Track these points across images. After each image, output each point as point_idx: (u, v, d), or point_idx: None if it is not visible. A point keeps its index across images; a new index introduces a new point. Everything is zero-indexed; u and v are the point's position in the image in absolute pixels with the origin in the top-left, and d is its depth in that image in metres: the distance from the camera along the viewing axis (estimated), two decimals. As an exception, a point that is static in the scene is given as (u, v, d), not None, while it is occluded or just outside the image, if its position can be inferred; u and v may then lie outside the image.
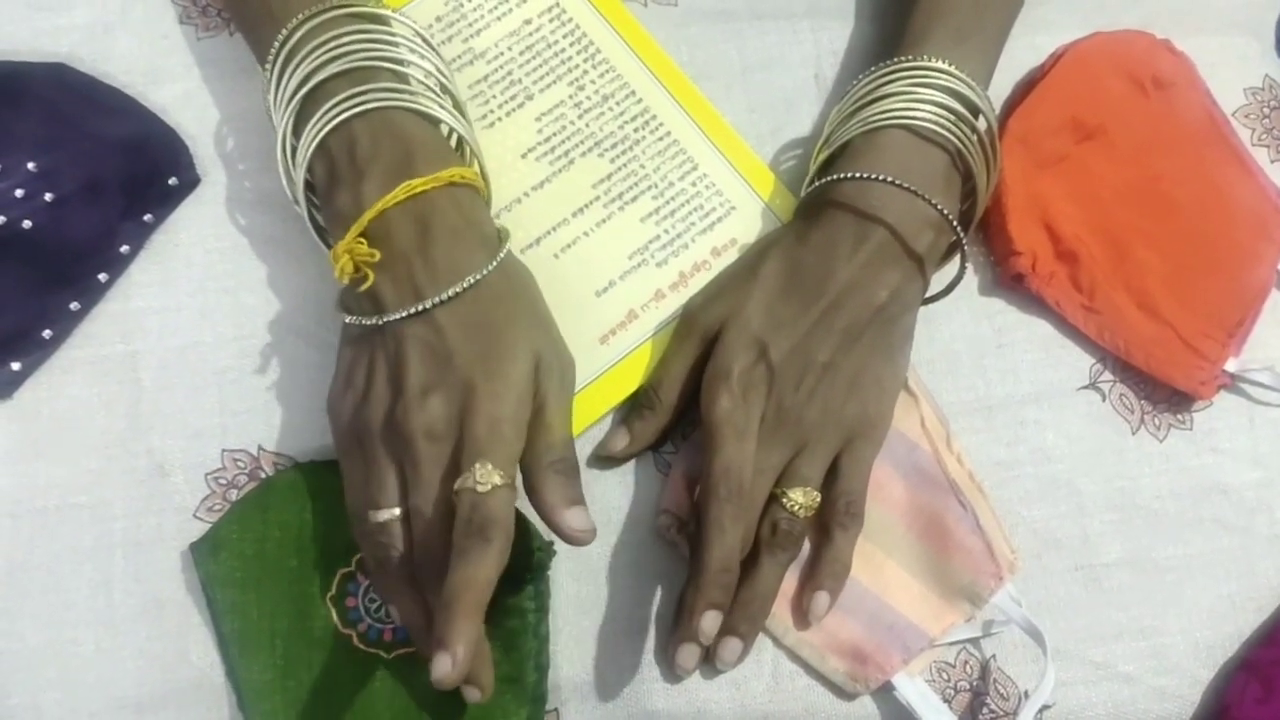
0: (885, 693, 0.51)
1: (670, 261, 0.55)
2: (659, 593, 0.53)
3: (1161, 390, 0.57)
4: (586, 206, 0.56)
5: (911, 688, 0.51)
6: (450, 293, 0.46)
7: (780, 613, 0.52)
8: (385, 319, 0.47)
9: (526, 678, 0.50)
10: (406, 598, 0.47)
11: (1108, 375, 0.57)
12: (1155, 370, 0.56)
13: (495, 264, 0.48)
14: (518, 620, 0.50)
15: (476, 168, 0.50)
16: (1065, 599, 0.54)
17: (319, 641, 0.50)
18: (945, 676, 0.53)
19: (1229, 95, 0.62)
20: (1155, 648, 0.54)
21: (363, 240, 0.47)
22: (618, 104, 0.57)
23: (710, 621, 0.49)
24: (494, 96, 0.57)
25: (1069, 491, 0.55)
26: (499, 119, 0.56)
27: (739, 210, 0.56)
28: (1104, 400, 0.57)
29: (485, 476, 0.43)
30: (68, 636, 0.51)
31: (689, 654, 0.50)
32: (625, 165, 0.56)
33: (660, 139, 0.57)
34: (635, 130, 0.57)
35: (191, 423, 0.53)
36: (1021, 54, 0.60)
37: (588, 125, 0.57)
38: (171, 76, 0.57)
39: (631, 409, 0.53)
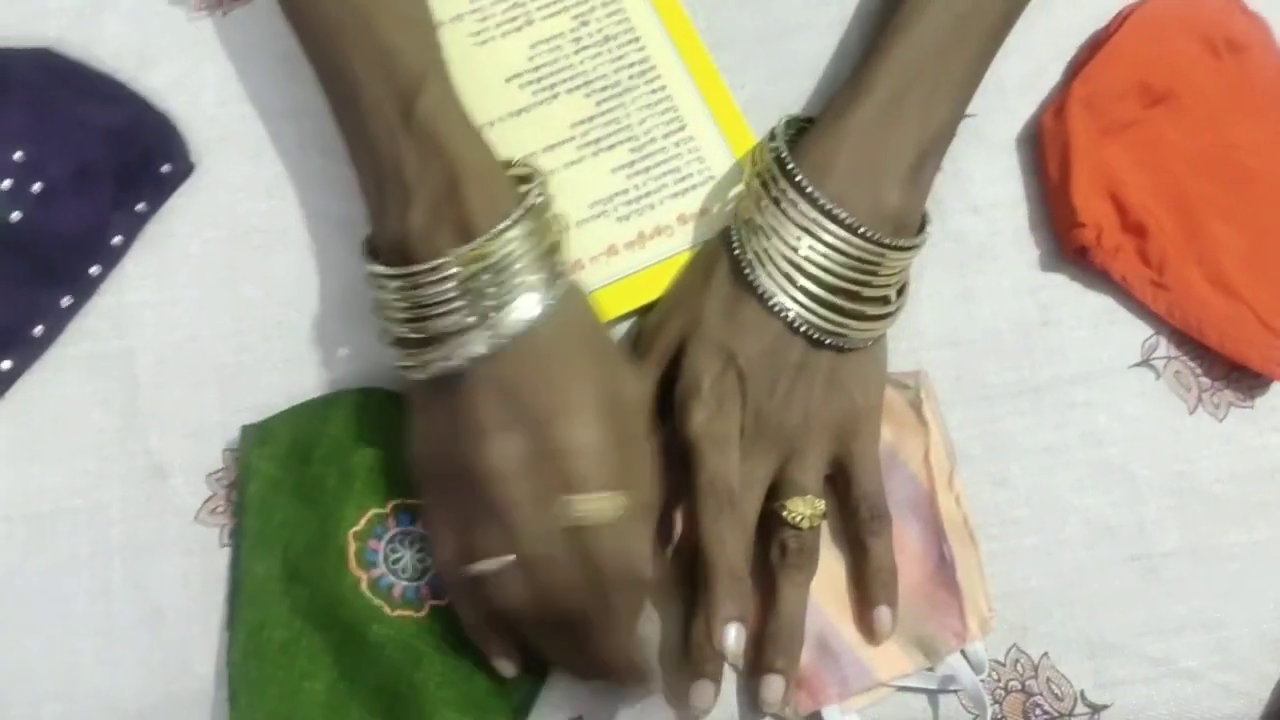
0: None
1: (632, 219, 0.53)
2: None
3: (1220, 366, 0.53)
4: (560, 144, 0.53)
5: None
6: (513, 333, 0.43)
7: None
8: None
9: (517, 684, 0.48)
10: (506, 643, 0.46)
11: (1162, 351, 0.54)
12: (1230, 351, 0.52)
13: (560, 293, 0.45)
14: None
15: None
16: (1121, 591, 0.51)
17: (329, 572, 0.48)
18: (995, 676, 0.49)
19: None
20: (1219, 641, 0.50)
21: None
22: (618, 47, 0.55)
23: (734, 636, 0.45)
24: (494, 14, 0.55)
25: (1123, 476, 0.52)
26: (494, 37, 0.55)
27: (718, 182, 0.53)
28: (1158, 378, 0.53)
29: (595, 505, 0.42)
30: (66, 646, 0.48)
31: (704, 691, 0.47)
32: (610, 111, 0.54)
33: (653, 91, 0.54)
34: (630, 78, 0.54)
35: (191, 421, 0.51)
36: (1090, 9, 0.57)
37: (582, 62, 0.54)
38: (163, 59, 0.55)
39: None
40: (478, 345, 0.43)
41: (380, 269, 0.45)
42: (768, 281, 0.47)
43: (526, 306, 0.43)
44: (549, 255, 0.45)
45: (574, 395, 0.43)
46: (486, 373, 0.43)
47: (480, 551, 0.43)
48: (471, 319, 0.43)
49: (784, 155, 0.48)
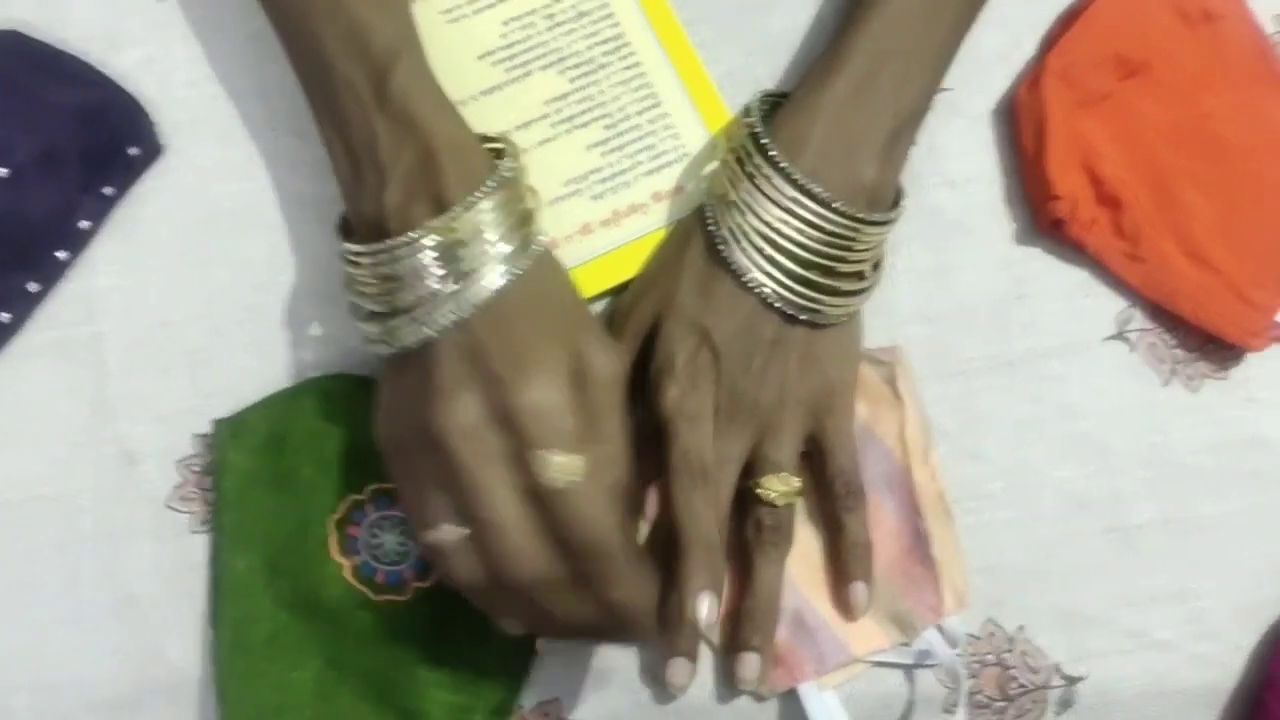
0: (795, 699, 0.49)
1: (607, 197, 0.52)
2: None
3: (1194, 338, 0.54)
4: (533, 122, 0.53)
5: (816, 699, 0.48)
6: (480, 300, 0.43)
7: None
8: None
9: (507, 661, 0.48)
10: (520, 603, 0.44)
11: (1136, 324, 0.54)
12: (1204, 321, 0.52)
13: (529, 261, 0.44)
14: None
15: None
16: (1096, 563, 0.51)
17: (311, 561, 0.48)
18: (971, 650, 0.50)
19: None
20: (1194, 612, 0.51)
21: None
22: (592, 24, 0.54)
23: (706, 607, 0.44)
24: None
25: (1097, 449, 0.52)
26: (466, 14, 0.54)
27: (693, 159, 0.53)
28: (1132, 351, 0.53)
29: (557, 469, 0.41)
30: (37, 635, 0.48)
31: (681, 669, 0.47)
32: (584, 89, 0.53)
33: (628, 68, 0.54)
34: (604, 54, 0.54)
35: (161, 407, 0.50)
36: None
37: (555, 39, 0.54)
38: (131, 41, 0.54)
39: None
40: (446, 313, 0.42)
41: (354, 247, 0.45)
42: (742, 258, 0.47)
43: (495, 275, 0.43)
44: (521, 226, 0.44)
45: (538, 356, 0.42)
46: (453, 339, 0.43)
47: (435, 518, 0.42)
48: (442, 289, 0.43)
49: (758, 130, 0.48)
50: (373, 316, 0.45)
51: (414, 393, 0.43)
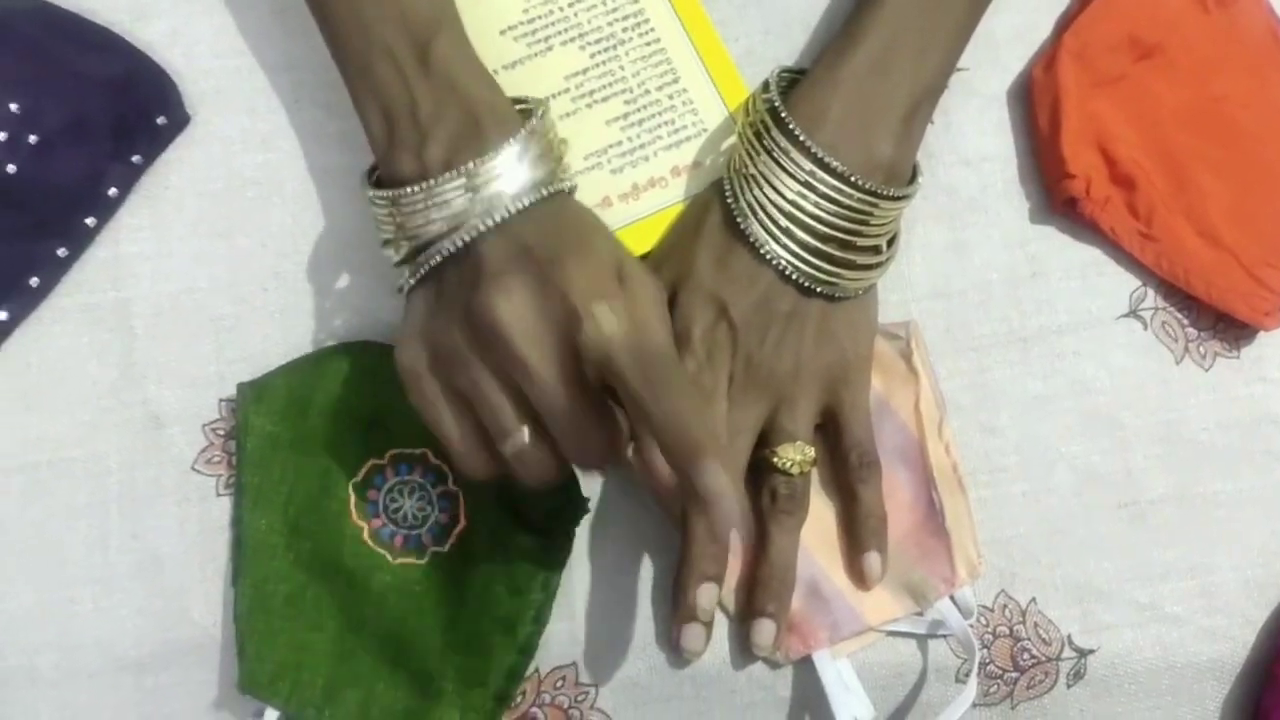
0: (809, 667, 0.49)
1: (626, 170, 0.53)
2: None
3: (1206, 317, 0.54)
4: (553, 97, 0.53)
5: (830, 667, 0.48)
6: (517, 207, 0.43)
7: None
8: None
9: (522, 627, 0.48)
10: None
11: (1149, 303, 0.54)
12: (1216, 300, 0.53)
13: (559, 188, 0.45)
14: (531, 566, 0.48)
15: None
16: (1109, 538, 0.51)
17: (331, 523, 0.49)
18: (984, 621, 0.50)
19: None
20: (1204, 587, 0.51)
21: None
22: (612, 0, 0.55)
23: (706, 596, 0.47)
24: None
25: (1110, 425, 0.53)
26: None
27: (711, 135, 0.54)
28: (1145, 329, 0.54)
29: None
30: (64, 596, 0.49)
31: (694, 635, 0.48)
32: (604, 64, 0.54)
33: (648, 44, 0.54)
34: (624, 30, 0.54)
35: (187, 372, 0.51)
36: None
37: (576, 15, 0.54)
38: (158, 13, 0.55)
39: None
40: (488, 217, 0.43)
41: (389, 192, 0.45)
42: (759, 231, 0.48)
43: (531, 193, 0.44)
44: (552, 159, 0.46)
45: (584, 249, 0.43)
46: (498, 239, 0.43)
47: (501, 420, 0.42)
48: (482, 205, 0.43)
49: (777, 105, 0.48)
50: (410, 254, 0.45)
51: (458, 294, 0.43)
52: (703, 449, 0.39)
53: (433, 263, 0.44)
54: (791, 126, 0.47)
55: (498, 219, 0.43)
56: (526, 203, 0.44)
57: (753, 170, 0.48)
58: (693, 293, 0.48)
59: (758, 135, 0.49)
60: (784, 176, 0.48)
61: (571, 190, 0.47)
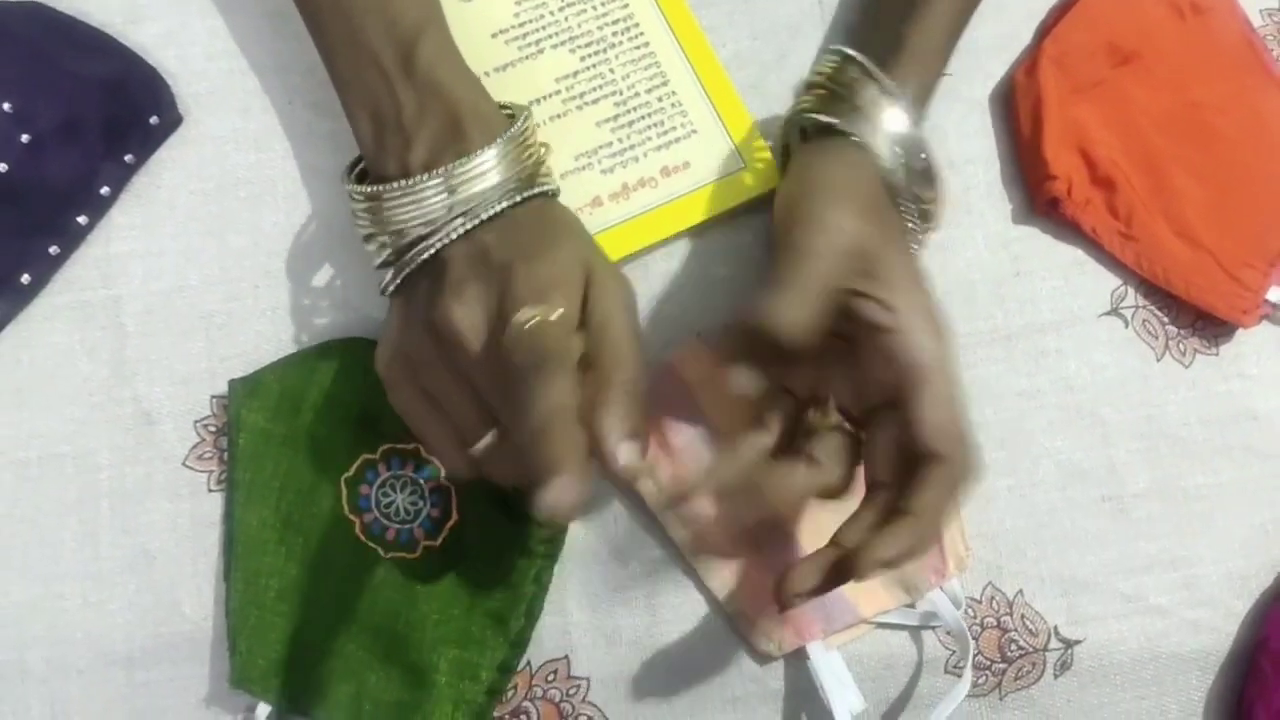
0: (801, 659, 0.49)
1: (616, 171, 0.54)
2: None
3: (1186, 315, 0.55)
4: (544, 99, 0.54)
5: (824, 659, 0.49)
6: (487, 214, 0.44)
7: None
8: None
9: (513, 620, 0.48)
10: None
11: (1130, 301, 0.55)
12: (1196, 298, 0.54)
13: (535, 192, 0.45)
14: (523, 560, 0.48)
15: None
16: (1093, 531, 0.52)
17: (323, 518, 0.49)
18: (972, 613, 0.51)
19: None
20: (1187, 579, 0.52)
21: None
22: (602, 4, 0.56)
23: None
24: None
25: (1093, 421, 0.53)
26: None
27: (700, 135, 0.54)
28: (1127, 326, 0.55)
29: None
30: (54, 591, 0.49)
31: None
32: (594, 66, 0.55)
33: (637, 47, 0.55)
34: (613, 34, 0.55)
35: (178, 369, 0.51)
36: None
37: (566, 19, 0.55)
38: (152, 15, 0.55)
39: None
40: (456, 227, 0.44)
41: (368, 188, 0.46)
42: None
43: (504, 199, 0.44)
44: (530, 164, 0.46)
45: (546, 255, 0.43)
46: (463, 248, 0.44)
47: (467, 424, 0.43)
48: (455, 213, 0.44)
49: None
50: (389, 258, 0.46)
51: (425, 301, 0.44)
52: (553, 471, 0.38)
53: (409, 270, 0.45)
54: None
55: (469, 226, 0.44)
56: (503, 205, 0.44)
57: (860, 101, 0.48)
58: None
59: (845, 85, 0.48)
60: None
61: (554, 193, 0.47)
